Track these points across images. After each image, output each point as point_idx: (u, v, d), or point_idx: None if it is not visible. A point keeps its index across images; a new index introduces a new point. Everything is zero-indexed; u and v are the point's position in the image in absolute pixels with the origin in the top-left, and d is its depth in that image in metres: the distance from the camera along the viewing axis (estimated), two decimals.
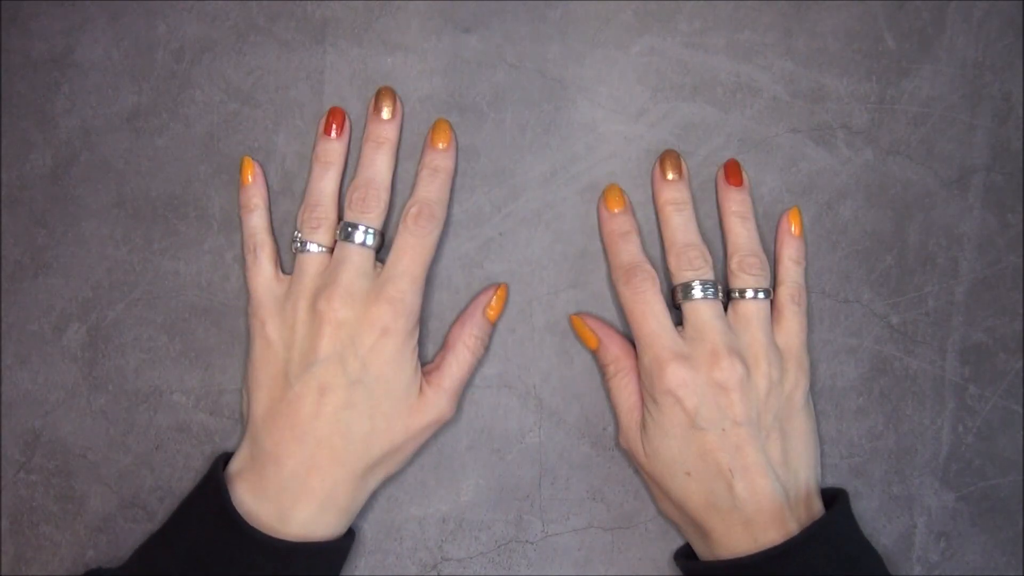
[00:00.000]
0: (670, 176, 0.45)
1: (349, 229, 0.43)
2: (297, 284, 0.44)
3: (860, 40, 0.47)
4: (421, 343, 0.46)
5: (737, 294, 0.44)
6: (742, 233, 0.45)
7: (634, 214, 0.46)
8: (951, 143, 0.47)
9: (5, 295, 0.47)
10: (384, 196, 0.45)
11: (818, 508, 0.42)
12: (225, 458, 0.44)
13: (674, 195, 0.45)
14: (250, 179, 0.46)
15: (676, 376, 0.41)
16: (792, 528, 0.40)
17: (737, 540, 0.41)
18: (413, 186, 0.45)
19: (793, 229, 0.46)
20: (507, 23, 0.47)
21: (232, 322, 0.47)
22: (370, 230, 0.44)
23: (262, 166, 0.47)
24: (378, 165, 0.45)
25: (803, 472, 0.43)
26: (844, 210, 0.47)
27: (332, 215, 0.45)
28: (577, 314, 0.46)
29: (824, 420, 0.47)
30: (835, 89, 0.47)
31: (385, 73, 0.47)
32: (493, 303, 0.46)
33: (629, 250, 0.45)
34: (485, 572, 0.47)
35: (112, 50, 0.48)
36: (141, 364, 0.47)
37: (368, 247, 0.44)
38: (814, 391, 0.46)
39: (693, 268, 0.44)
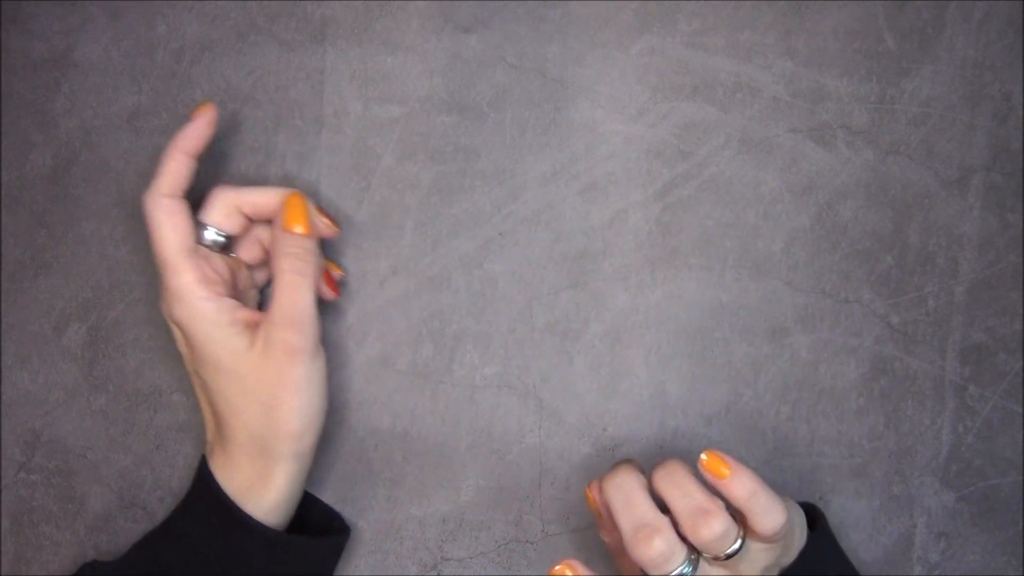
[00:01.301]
0: None
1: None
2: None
3: (860, 40, 0.47)
4: (422, 341, 0.46)
5: (714, 558, 0.38)
6: (678, 497, 0.39)
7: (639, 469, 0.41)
8: (951, 143, 0.47)
9: (5, 295, 0.47)
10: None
11: (803, 531, 0.42)
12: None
13: None
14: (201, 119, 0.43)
15: None
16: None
17: None
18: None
19: (721, 475, 0.38)
20: (507, 23, 0.47)
21: None
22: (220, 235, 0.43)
23: (261, 167, 0.47)
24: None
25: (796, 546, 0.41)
26: (844, 210, 0.47)
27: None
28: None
29: (824, 420, 0.47)
30: (835, 89, 0.47)
31: (385, 73, 0.47)
32: (288, 215, 0.42)
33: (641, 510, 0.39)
34: (485, 572, 0.47)
35: (112, 50, 0.48)
36: (141, 364, 0.47)
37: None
38: (815, 391, 0.46)
39: (660, 562, 0.38)
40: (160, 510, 0.47)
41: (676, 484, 0.39)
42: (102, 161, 0.47)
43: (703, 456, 0.38)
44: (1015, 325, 0.47)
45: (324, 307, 0.47)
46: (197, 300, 0.41)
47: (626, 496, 0.39)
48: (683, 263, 0.47)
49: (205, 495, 0.42)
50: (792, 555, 0.40)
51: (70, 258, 0.47)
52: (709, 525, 0.37)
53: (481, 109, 0.47)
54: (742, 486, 0.38)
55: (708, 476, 0.38)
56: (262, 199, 0.43)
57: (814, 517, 0.42)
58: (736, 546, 0.38)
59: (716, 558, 0.38)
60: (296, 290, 0.41)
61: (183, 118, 0.47)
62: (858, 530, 0.46)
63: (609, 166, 0.47)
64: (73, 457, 0.47)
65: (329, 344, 0.47)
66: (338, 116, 0.47)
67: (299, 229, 0.42)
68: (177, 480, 0.47)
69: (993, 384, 0.47)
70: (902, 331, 0.47)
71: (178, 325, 0.41)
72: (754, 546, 0.38)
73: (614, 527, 0.40)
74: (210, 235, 0.42)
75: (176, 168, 0.41)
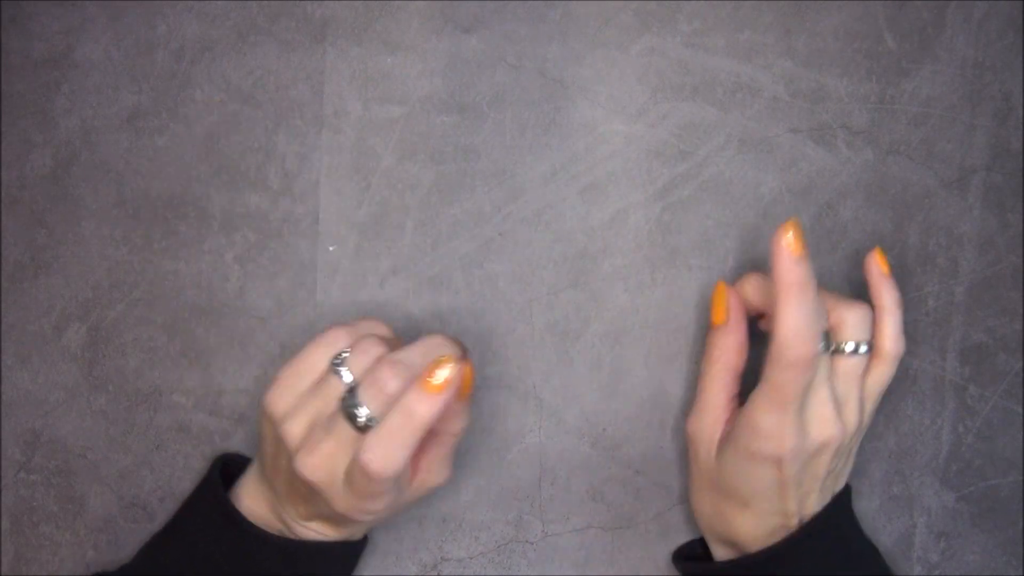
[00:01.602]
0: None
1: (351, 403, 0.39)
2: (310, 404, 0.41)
3: (860, 40, 0.47)
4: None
5: (843, 346, 0.41)
6: (833, 296, 0.42)
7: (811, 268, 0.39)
8: (951, 143, 0.47)
9: (5, 295, 0.47)
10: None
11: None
12: (224, 459, 0.44)
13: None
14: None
15: (791, 443, 0.39)
16: (793, 525, 0.41)
17: (766, 539, 0.41)
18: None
19: (884, 269, 0.42)
20: (507, 23, 0.47)
21: (232, 322, 0.47)
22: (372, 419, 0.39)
23: (261, 167, 0.47)
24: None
25: (839, 490, 0.43)
26: (844, 210, 0.47)
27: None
28: (725, 285, 0.43)
29: None
30: (835, 89, 0.47)
31: (385, 73, 0.47)
32: (463, 387, 0.39)
33: (808, 317, 0.38)
34: (485, 572, 0.47)
35: (112, 50, 0.48)
36: (141, 364, 0.47)
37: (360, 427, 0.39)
38: None
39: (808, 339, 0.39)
40: (160, 510, 0.47)
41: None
42: (102, 161, 0.47)
43: (876, 251, 0.43)
44: (1015, 325, 0.47)
45: (324, 306, 0.47)
46: (389, 507, 0.40)
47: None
48: (683, 263, 0.47)
49: (214, 503, 0.42)
50: (840, 483, 0.43)
51: (70, 258, 0.47)
52: (855, 307, 0.40)
53: (481, 109, 0.47)
54: (894, 292, 0.42)
55: (871, 264, 0.42)
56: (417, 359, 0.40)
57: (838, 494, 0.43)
58: (864, 349, 0.40)
59: (843, 350, 0.40)
60: (452, 446, 0.42)
61: (183, 118, 0.47)
62: None
63: (609, 166, 0.47)
64: (73, 457, 0.47)
65: None
66: (338, 116, 0.47)
67: (463, 396, 0.40)
68: (177, 480, 0.47)
69: (993, 384, 0.47)
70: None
71: (352, 522, 0.40)
72: (867, 380, 0.41)
73: (737, 333, 0.42)
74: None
75: None
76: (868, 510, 0.47)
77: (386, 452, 0.36)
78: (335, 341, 0.40)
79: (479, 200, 0.47)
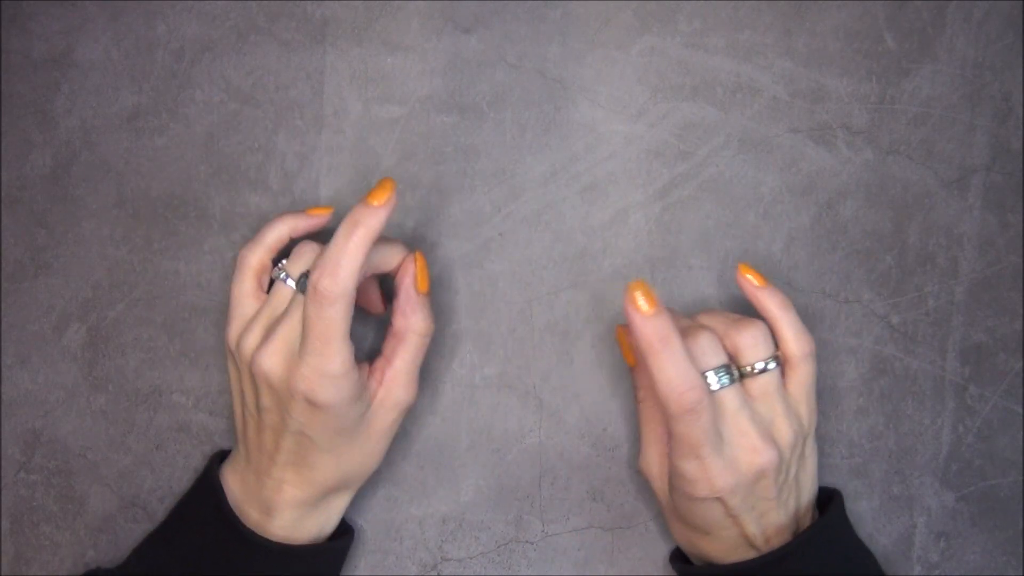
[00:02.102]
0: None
1: (304, 279, 0.41)
2: (260, 314, 0.42)
3: (860, 40, 0.47)
4: None
5: (749, 369, 0.40)
6: (718, 317, 0.42)
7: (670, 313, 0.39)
8: (951, 143, 0.47)
9: (5, 295, 0.47)
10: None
11: (813, 513, 0.43)
12: (220, 456, 0.44)
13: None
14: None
15: (724, 486, 0.39)
16: (787, 536, 0.41)
17: (739, 557, 0.41)
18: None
19: (756, 282, 0.42)
20: (507, 23, 0.47)
21: None
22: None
23: (261, 167, 0.47)
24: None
25: (806, 494, 0.42)
26: (844, 210, 0.47)
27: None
28: (623, 327, 0.43)
29: (824, 420, 0.47)
30: (835, 89, 0.47)
31: (385, 73, 0.47)
32: (419, 277, 0.42)
33: (679, 366, 0.38)
34: (485, 572, 0.47)
35: (112, 50, 0.48)
36: (141, 364, 0.47)
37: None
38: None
39: (706, 362, 0.39)
40: (160, 510, 0.47)
41: (714, 313, 0.42)
42: (102, 161, 0.47)
43: (740, 267, 0.42)
44: (1015, 325, 0.47)
45: None
46: (349, 381, 0.39)
47: (668, 321, 0.38)
48: (683, 263, 0.47)
49: (209, 502, 0.42)
50: (805, 494, 0.42)
51: (70, 258, 0.47)
52: (747, 328, 0.40)
53: (481, 109, 0.47)
54: (775, 297, 0.41)
55: (743, 283, 0.42)
56: (385, 258, 0.42)
57: (829, 499, 0.43)
58: (772, 364, 0.40)
59: (751, 372, 0.40)
60: (418, 351, 0.42)
61: (183, 118, 0.47)
62: (858, 530, 0.46)
63: (609, 166, 0.47)
64: (73, 457, 0.47)
65: None
66: (338, 116, 0.47)
67: (423, 287, 0.42)
68: (177, 480, 0.47)
69: (993, 384, 0.47)
70: (902, 331, 0.47)
71: (312, 403, 0.39)
72: (789, 388, 0.41)
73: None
74: None
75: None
76: (868, 510, 0.47)
77: (335, 266, 0.37)
78: (251, 263, 0.42)
79: (479, 200, 0.47)
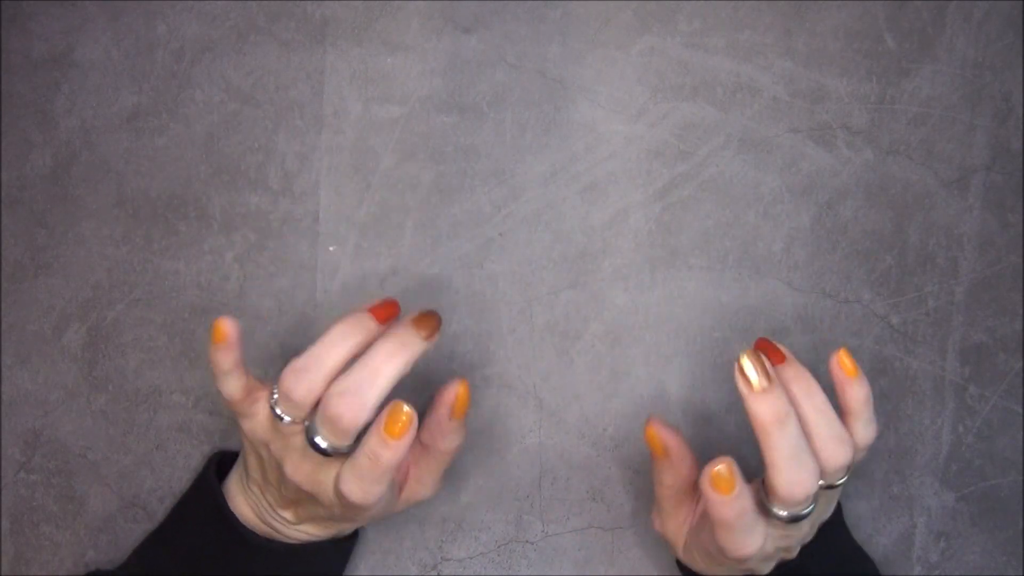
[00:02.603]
0: (762, 384, 0.36)
1: (311, 433, 0.38)
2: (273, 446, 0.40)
3: (860, 40, 0.47)
4: None
5: (825, 485, 0.38)
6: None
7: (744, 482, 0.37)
8: (951, 143, 0.47)
9: (5, 295, 0.47)
10: (364, 417, 0.38)
11: None
12: (218, 457, 0.44)
13: (774, 408, 0.36)
14: (223, 341, 0.38)
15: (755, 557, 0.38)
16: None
17: None
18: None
19: (849, 372, 0.38)
20: (507, 23, 0.47)
21: None
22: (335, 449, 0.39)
23: (261, 167, 0.47)
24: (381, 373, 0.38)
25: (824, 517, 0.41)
26: (844, 210, 0.47)
27: (313, 401, 0.39)
28: (653, 422, 0.40)
29: None
30: (835, 89, 0.47)
31: (385, 73, 0.47)
32: (456, 408, 0.40)
33: (751, 539, 0.37)
34: (485, 572, 0.47)
35: (112, 50, 0.48)
36: (141, 364, 0.47)
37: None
38: None
39: (807, 495, 0.37)
40: (160, 510, 0.47)
41: (815, 402, 0.37)
42: (102, 161, 0.47)
43: (840, 352, 0.38)
44: (1015, 325, 0.47)
45: (324, 306, 0.47)
46: (385, 499, 0.40)
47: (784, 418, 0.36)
48: (683, 263, 0.47)
49: (208, 503, 0.42)
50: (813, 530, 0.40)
51: (70, 258, 0.47)
52: (847, 452, 0.37)
53: (481, 109, 0.47)
54: (864, 389, 0.38)
55: (838, 372, 0.38)
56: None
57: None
58: (843, 479, 0.37)
59: (829, 487, 0.37)
60: (444, 463, 0.42)
61: (183, 118, 0.47)
62: (858, 530, 0.46)
63: (609, 166, 0.47)
64: (73, 457, 0.47)
65: None
66: (338, 116, 0.47)
67: (457, 415, 0.41)
68: (177, 480, 0.47)
69: (993, 384, 0.47)
70: (902, 331, 0.47)
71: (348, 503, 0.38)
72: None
73: (682, 465, 0.40)
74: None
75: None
76: (868, 510, 0.47)
77: (362, 486, 0.37)
78: (238, 398, 0.39)
79: (479, 200, 0.47)
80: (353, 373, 0.36)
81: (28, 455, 0.47)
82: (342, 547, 0.44)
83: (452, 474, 0.47)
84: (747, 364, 0.36)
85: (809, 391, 0.37)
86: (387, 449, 0.36)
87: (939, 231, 0.47)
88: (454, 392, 0.40)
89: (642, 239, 0.47)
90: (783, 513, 0.36)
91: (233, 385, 0.38)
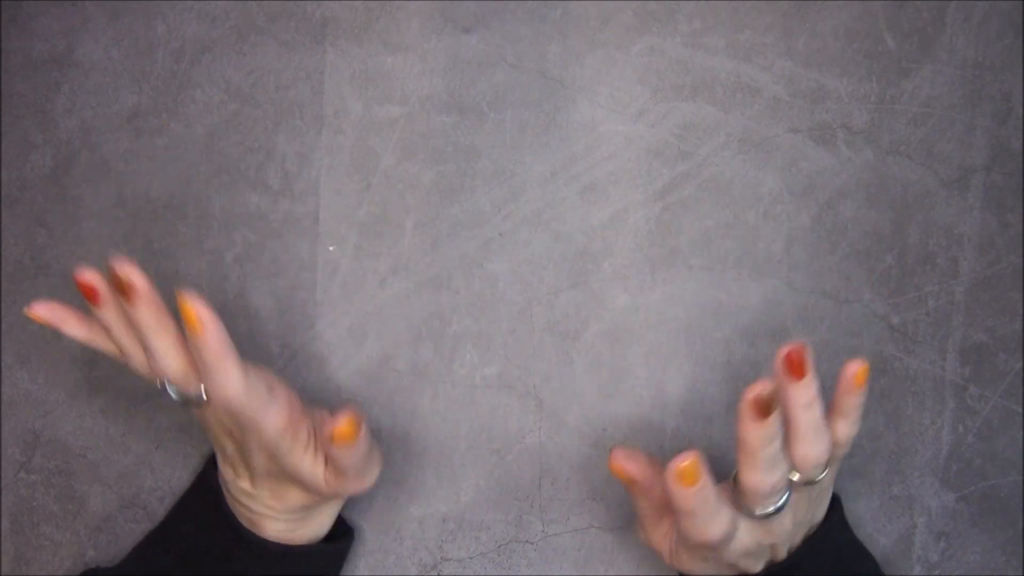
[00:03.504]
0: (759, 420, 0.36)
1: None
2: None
3: (860, 40, 0.47)
4: (422, 341, 0.46)
5: (800, 478, 0.38)
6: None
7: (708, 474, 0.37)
8: (951, 143, 0.47)
9: (5, 295, 0.47)
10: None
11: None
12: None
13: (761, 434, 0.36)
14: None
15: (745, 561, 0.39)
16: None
17: None
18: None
19: (859, 384, 0.38)
20: (507, 23, 0.47)
21: (232, 322, 0.47)
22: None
23: (261, 167, 0.47)
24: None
25: (818, 516, 0.41)
26: (844, 210, 0.47)
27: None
28: (615, 454, 0.41)
29: None
30: (835, 89, 0.47)
31: (385, 73, 0.47)
32: (336, 432, 0.38)
33: (717, 523, 0.37)
34: (485, 572, 0.47)
35: (112, 50, 0.48)
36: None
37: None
38: None
39: (777, 493, 0.38)
40: (160, 510, 0.47)
41: (807, 395, 0.36)
42: (102, 161, 0.47)
43: (861, 366, 0.37)
44: (1015, 325, 0.47)
45: (324, 306, 0.47)
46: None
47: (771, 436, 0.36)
48: (683, 263, 0.47)
49: (208, 503, 0.42)
50: (817, 516, 0.41)
51: (70, 258, 0.47)
52: (823, 448, 0.37)
53: (481, 109, 0.47)
54: (863, 399, 0.38)
55: (848, 380, 0.38)
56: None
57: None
58: (823, 475, 0.38)
59: (807, 483, 0.38)
60: (361, 455, 0.40)
61: (183, 118, 0.47)
62: (858, 530, 0.46)
63: (609, 166, 0.47)
64: (73, 457, 0.47)
65: (329, 344, 0.47)
66: (338, 116, 0.47)
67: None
68: (177, 480, 0.47)
69: (993, 384, 0.47)
70: (902, 331, 0.47)
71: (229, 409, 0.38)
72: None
73: (653, 488, 0.40)
74: None
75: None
76: (868, 510, 0.47)
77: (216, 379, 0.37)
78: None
79: (479, 200, 0.47)
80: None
81: (28, 455, 0.47)
82: (339, 548, 0.44)
83: (452, 474, 0.47)
84: (756, 401, 0.35)
85: (807, 400, 0.37)
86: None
87: (939, 231, 0.47)
88: (339, 421, 0.38)
89: (642, 239, 0.47)
90: (754, 509, 0.37)
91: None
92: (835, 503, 0.43)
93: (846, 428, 0.38)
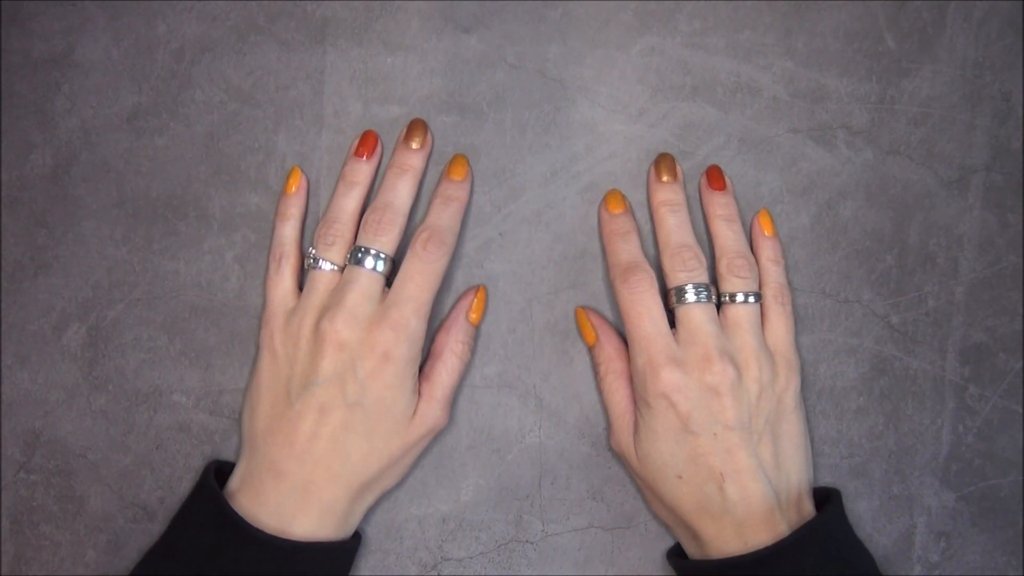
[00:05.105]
0: (664, 178, 0.45)
1: (360, 253, 0.43)
2: (306, 300, 0.44)
3: (860, 40, 0.47)
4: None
5: (727, 298, 0.44)
6: (729, 236, 0.45)
7: (634, 216, 0.46)
8: (951, 143, 0.47)
9: (5, 295, 0.47)
10: (400, 222, 0.44)
11: (809, 510, 0.43)
12: (216, 465, 0.44)
13: (668, 196, 0.45)
14: (294, 189, 0.46)
15: (670, 380, 0.41)
16: (782, 530, 0.41)
17: (727, 542, 0.41)
18: (426, 213, 0.45)
19: (765, 231, 0.46)
20: (507, 23, 0.47)
21: (232, 322, 0.47)
22: (381, 255, 0.43)
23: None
24: (399, 190, 0.44)
25: (794, 474, 0.43)
26: (844, 210, 0.47)
27: (349, 235, 0.44)
28: (583, 308, 0.46)
29: (824, 420, 0.47)
30: (835, 89, 0.47)
31: (385, 73, 0.47)
32: (474, 306, 0.46)
33: (628, 249, 0.44)
34: (485, 572, 0.47)
35: (112, 50, 0.48)
36: (141, 364, 0.47)
37: (378, 272, 0.43)
38: (815, 391, 0.46)
39: (687, 270, 0.43)
40: (160, 510, 0.47)
41: (732, 222, 0.45)
42: (102, 161, 0.47)
43: (761, 212, 0.46)
44: (1015, 325, 0.47)
45: None
46: (417, 348, 0.43)
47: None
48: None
49: (211, 508, 0.42)
50: (790, 466, 0.43)
51: (70, 258, 0.47)
52: (736, 260, 0.44)
53: (481, 109, 0.47)
54: (775, 250, 0.46)
55: (755, 226, 0.46)
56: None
57: (827, 499, 0.43)
58: (752, 299, 0.44)
59: (729, 301, 0.44)
60: (455, 373, 0.45)
61: (183, 118, 0.47)
62: (858, 530, 0.46)
63: (609, 166, 0.47)
64: (73, 457, 0.47)
65: None
66: (338, 116, 0.47)
67: (474, 318, 0.46)
68: (177, 480, 0.47)
69: (993, 384, 0.47)
70: (902, 331, 0.47)
71: (387, 356, 0.42)
72: (765, 334, 0.44)
73: (609, 342, 0.45)
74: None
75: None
76: (868, 510, 0.47)
77: (439, 231, 0.44)
78: (292, 262, 0.45)
79: (479, 200, 0.47)
80: (378, 199, 0.44)
81: (28, 455, 0.47)
82: (347, 547, 0.44)
83: (452, 474, 0.47)
84: (663, 162, 0.46)
85: (729, 215, 0.45)
86: (456, 188, 0.45)
87: (939, 231, 0.47)
88: (473, 294, 0.46)
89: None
90: (671, 280, 0.44)
91: (290, 229, 0.45)
92: (835, 496, 0.43)
93: (764, 259, 0.45)
